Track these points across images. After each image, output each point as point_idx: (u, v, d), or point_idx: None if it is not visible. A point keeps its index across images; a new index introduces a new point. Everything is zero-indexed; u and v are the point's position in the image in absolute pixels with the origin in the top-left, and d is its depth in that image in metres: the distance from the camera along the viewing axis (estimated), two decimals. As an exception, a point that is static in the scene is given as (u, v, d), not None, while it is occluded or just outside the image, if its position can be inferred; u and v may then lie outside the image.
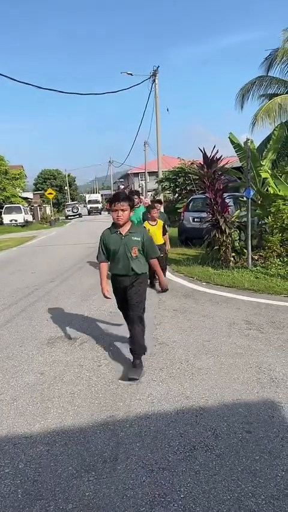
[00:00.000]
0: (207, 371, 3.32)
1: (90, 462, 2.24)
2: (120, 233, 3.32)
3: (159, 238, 6.15)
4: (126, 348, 3.92)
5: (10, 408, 2.90)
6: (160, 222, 6.32)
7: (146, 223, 6.23)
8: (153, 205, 6.36)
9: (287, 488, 1.98)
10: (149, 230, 6.03)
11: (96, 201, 53.50)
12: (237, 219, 8.35)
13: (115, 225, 3.34)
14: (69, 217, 43.13)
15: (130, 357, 3.46)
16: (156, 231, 6.21)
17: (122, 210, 3.22)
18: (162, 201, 14.25)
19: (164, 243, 6.42)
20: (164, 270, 6.56)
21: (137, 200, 6.95)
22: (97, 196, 57.37)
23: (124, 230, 3.32)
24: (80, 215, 44.94)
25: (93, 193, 69.49)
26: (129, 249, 3.28)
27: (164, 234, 6.38)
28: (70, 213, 44.34)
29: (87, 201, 55.98)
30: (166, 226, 6.54)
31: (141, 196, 9.14)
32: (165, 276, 6.90)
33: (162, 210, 7.27)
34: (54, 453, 2.35)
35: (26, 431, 2.59)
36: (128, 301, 3.39)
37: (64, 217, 43.51)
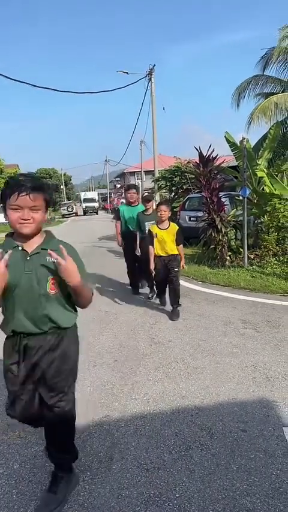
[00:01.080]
0: (203, 370, 3.32)
1: (85, 462, 2.24)
2: (23, 250, 1.76)
3: (170, 247, 4.69)
4: (124, 347, 3.92)
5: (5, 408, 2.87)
6: (174, 227, 4.70)
7: (153, 227, 4.75)
8: (160, 201, 4.79)
9: (281, 487, 1.98)
10: (156, 235, 4.69)
11: (93, 200, 50.32)
12: (233, 218, 8.37)
13: (16, 237, 1.79)
14: (65, 216, 43.47)
15: (125, 358, 3.44)
16: (166, 236, 4.64)
17: (32, 208, 1.68)
18: (154, 198, 14.04)
19: (178, 255, 4.78)
20: (176, 292, 4.78)
21: (136, 196, 5.84)
22: (93, 195, 53.98)
23: (31, 245, 1.77)
24: (76, 214, 45.80)
25: (89, 191, 65.99)
26: (40, 281, 1.75)
27: (178, 243, 4.76)
28: (66, 212, 44.86)
29: (82, 199, 51.54)
30: (180, 233, 4.77)
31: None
32: (178, 308, 4.80)
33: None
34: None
35: (20, 431, 2.58)
36: (43, 386, 1.85)
37: (61, 216, 43.60)
